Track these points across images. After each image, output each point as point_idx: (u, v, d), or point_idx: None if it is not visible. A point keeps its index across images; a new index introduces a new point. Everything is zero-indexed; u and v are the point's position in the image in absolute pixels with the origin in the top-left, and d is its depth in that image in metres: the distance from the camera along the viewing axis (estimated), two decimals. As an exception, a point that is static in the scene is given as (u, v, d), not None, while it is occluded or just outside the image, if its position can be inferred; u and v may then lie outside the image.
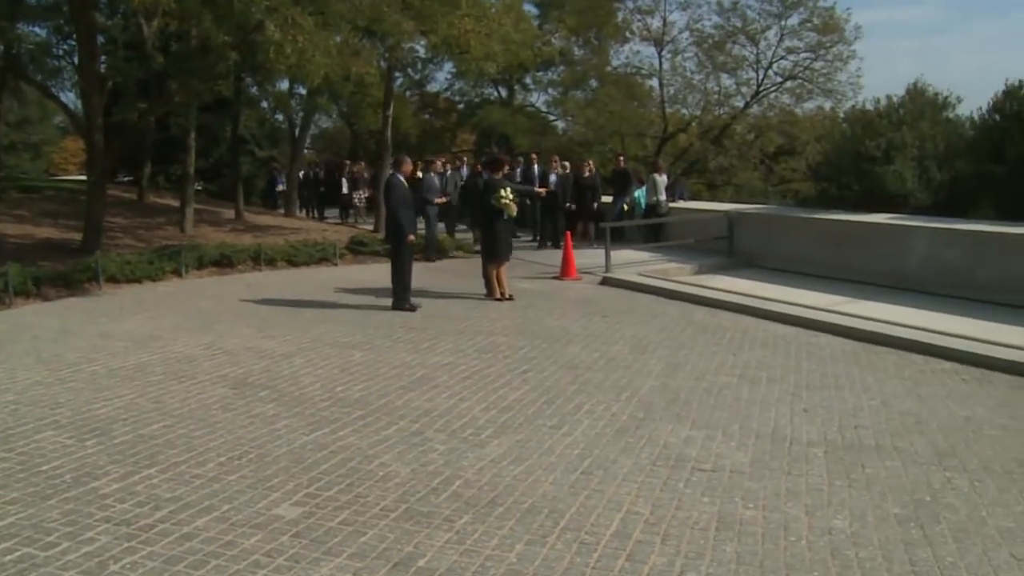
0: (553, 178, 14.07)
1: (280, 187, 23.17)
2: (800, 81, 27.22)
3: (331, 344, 7.25)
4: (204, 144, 22.62)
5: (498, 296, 9.55)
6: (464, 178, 15.45)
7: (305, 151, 31.33)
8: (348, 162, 23.10)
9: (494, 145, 33.65)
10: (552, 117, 35.64)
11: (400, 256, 8.93)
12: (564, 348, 7.16)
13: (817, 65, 26.63)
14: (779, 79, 27.57)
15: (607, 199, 16.01)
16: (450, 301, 9.60)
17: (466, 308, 9.11)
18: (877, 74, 64.68)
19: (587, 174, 15.08)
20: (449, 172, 15.35)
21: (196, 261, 11.41)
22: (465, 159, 19.75)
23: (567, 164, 15.30)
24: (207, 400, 5.50)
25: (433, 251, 12.92)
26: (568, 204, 14.19)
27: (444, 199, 13.32)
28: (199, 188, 25.95)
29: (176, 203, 16.52)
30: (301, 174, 23.25)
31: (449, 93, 35.02)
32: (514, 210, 9.55)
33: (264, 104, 25.17)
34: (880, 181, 21.13)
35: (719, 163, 28.69)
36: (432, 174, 13.49)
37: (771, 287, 10.41)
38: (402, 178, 9.02)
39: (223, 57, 11.39)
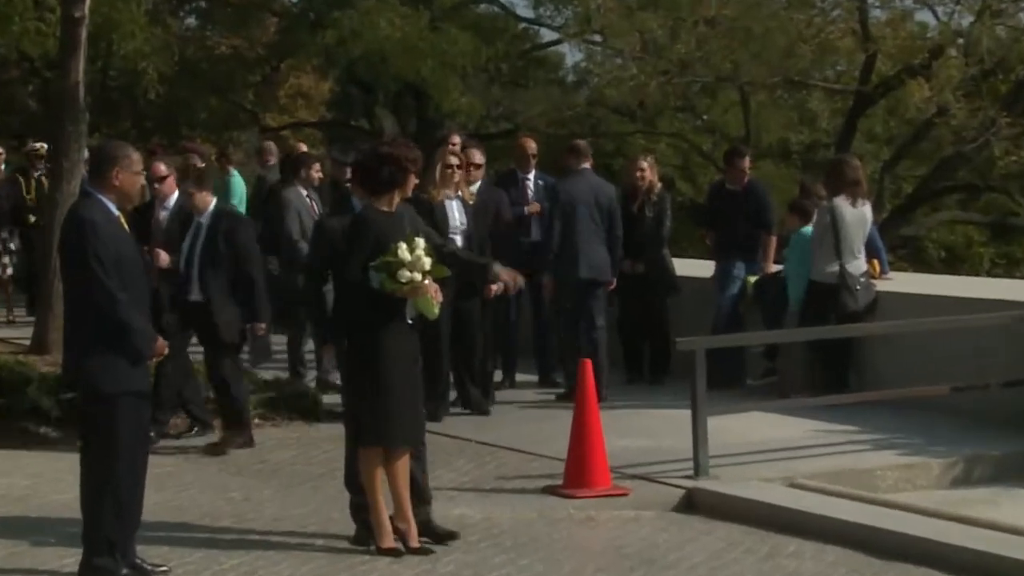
0: (461, 221, 13.85)
1: None
2: None
3: None
4: None
5: (390, 544, 8.54)
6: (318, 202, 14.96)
7: None
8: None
9: (381, 109, 31.22)
10: (544, 39, 33.39)
11: (110, 425, 7.99)
12: None
13: None
14: None
15: (689, 267, 15.54)
16: (259, 554, 8.62)
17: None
18: None
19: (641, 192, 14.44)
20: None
21: None
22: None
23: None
24: None
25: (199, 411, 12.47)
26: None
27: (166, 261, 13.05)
28: None
29: None
30: None
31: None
32: (435, 305, 8.65)
33: None
34: None
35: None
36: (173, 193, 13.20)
37: None
38: (110, 204, 8.30)
39: None
